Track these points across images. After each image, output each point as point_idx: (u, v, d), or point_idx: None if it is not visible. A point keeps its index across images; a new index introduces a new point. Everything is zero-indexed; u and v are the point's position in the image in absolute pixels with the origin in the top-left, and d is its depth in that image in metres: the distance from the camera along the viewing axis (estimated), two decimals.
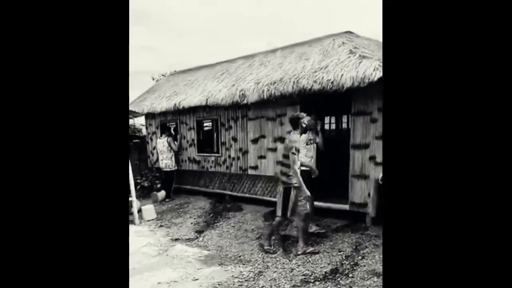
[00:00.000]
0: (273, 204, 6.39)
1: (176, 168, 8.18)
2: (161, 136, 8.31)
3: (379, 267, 3.77)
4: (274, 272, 3.94)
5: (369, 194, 5.11)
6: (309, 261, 4.15)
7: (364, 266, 3.87)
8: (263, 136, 6.49)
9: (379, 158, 4.94)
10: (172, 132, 8.40)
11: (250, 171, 6.78)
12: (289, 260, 4.23)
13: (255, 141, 6.63)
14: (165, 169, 8.13)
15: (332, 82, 4.98)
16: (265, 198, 6.58)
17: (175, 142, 8.14)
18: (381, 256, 4.03)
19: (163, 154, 8.08)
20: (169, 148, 7.99)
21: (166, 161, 8.07)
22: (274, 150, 6.30)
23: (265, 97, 5.94)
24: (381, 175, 4.77)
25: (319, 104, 6.13)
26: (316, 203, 5.85)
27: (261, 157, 6.54)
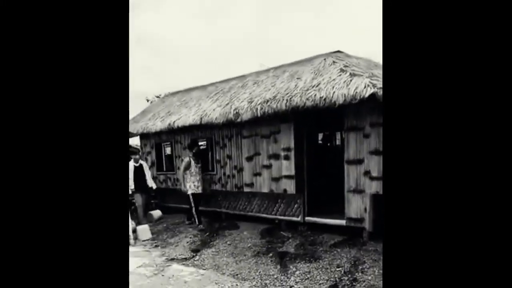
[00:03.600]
0: (270, 221, 6.41)
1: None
2: (192, 157, 7.12)
3: (379, 282, 3.77)
4: None
5: (365, 209, 5.14)
6: (308, 278, 4.14)
7: (364, 281, 3.86)
8: (257, 154, 6.54)
9: (374, 173, 5.00)
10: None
11: (245, 189, 6.79)
12: (288, 278, 4.20)
13: (249, 158, 6.67)
14: (195, 192, 7.04)
15: (324, 99, 5.09)
16: (261, 215, 6.57)
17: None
18: (381, 271, 4.04)
19: (195, 176, 7.04)
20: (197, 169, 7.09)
21: (196, 183, 7.04)
22: (269, 167, 6.33)
23: (258, 115, 6.02)
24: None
25: (312, 121, 6.22)
26: (313, 218, 5.86)
27: (256, 174, 6.57)
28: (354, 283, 3.85)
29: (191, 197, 6.95)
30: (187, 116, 7.54)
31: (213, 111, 7.02)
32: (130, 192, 7.36)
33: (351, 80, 4.98)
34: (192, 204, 6.96)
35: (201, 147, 7.53)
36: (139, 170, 7.71)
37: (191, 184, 6.97)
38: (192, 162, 6.97)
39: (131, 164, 7.60)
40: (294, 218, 6.04)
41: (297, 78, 6.20)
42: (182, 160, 7.55)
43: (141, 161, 7.90)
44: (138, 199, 7.84)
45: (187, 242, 6.06)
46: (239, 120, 6.37)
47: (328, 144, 8.53)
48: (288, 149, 6.01)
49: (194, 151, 7.08)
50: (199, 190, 7.06)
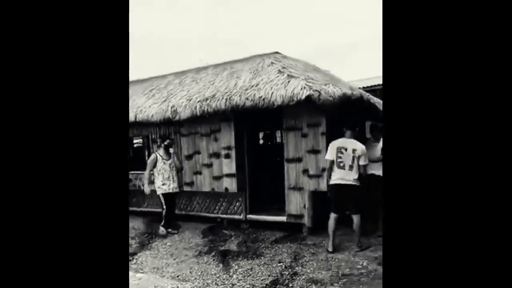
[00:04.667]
0: (212, 220, 6.40)
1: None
2: (158, 150, 6.34)
3: (317, 275, 3.98)
4: None
5: (304, 206, 5.38)
6: (250, 275, 4.22)
7: (303, 274, 4.05)
8: (197, 152, 6.47)
9: (312, 171, 5.27)
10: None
11: (185, 188, 6.69)
12: (230, 276, 4.25)
13: (189, 157, 6.58)
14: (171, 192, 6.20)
15: (263, 99, 5.21)
16: (202, 214, 6.54)
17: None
18: (319, 264, 4.28)
19: (164, 174, 6.13)
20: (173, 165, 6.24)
21: (166, 182, 6.15)
22: (209, 165, 6.31)
23: (198, 113, 5.96)
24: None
25: (253, 120, 6.32)
26: (255, 216, 5.98)
27: (197, 173, 6.51)
28: (294, 277, 4.01)
29: (162, 198, 6.09)
30: None
31: (149, 108, 6.78)
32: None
33: (288, 82, 5.16)
34: (164, 206, 6.10)
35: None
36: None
37: (160, 184, 6.08)
38: (159, 158, 6.09)
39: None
40: (236, 216, 6.12)
41: (237, 77, 6.25)
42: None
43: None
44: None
45: None
46: (177, 118, 6.24)
47: (269, 143, 8.73)
48: (228, 148, 6.04)
49: (165, 143, 6.16)
50: (171, 189, 6.11)
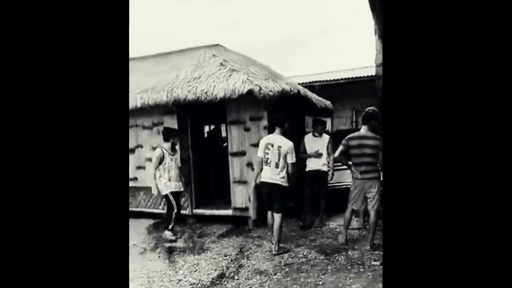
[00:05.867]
0: (157, 216, 6.29)
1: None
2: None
3: (262, 266, 4.12)
4: (161, 286, 3.92)
5: (249, 199, 5.49)
6: (197, 270, 4.26)
7: (249, 266, 4.17)
8: (139, 146, 6.30)
9: (255, 164, 5.33)
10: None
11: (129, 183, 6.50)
12: (176, 272, 4.25)
13: (131, 151, 6.37)
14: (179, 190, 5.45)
15: (206, 93, 5.18)
16: (146, 210, 6.41)
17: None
18: (263, 255, 4.43)
19: (171, 171, 5.31)
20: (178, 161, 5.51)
21: (172, 180, 5.34)
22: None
23: (138, 105, 5.78)
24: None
25: (196, 113, 6.24)
26: (201, 210, 5.98)
27: (140, 167, 6.34)
28: (240, 269, 4.12)
29: (170, 197, 5.27)
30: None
31: None
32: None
33: (230, 75, 5.16)
34: (174, 207, 5.27)
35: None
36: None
37: (167, 182, 5.27)
38: (166, 154, 5.26)
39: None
40: (183, 211, 6.06)
41: (178, 69, 6.11)
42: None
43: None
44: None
45: None
46: None
47: (214, 137, 8.68)
48: None
49: (170, 141, 5.32)
50: (178, 188, 5.38)
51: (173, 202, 5.28)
